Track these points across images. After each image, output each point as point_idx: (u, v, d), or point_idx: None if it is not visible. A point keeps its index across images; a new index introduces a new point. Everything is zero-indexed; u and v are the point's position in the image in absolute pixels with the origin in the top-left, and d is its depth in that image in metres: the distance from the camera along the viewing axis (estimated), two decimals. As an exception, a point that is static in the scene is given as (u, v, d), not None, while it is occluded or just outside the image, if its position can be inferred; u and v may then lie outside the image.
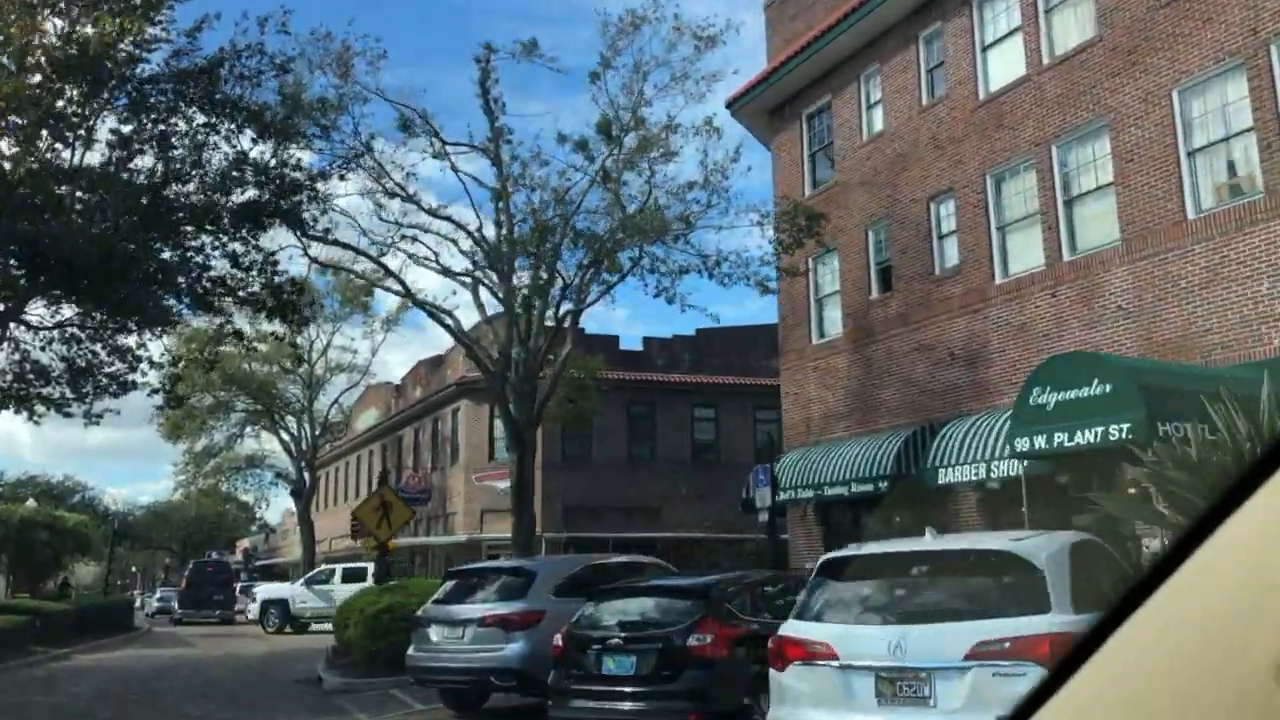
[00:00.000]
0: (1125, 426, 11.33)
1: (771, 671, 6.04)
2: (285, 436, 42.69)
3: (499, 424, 38.42)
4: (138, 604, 55.89)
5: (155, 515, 74.38)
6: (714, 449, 38.98)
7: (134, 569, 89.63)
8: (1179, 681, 0.84)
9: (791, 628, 6.12)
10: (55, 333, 21.01)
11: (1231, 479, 0.85)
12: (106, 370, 19.26)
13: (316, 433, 42.00)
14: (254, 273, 17.31)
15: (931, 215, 18.91)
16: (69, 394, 20.28)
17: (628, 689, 7.95)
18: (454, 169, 21.58)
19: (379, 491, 17.85)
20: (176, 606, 40.33)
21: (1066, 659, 0.98)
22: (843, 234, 20.69)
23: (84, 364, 20.49)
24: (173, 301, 17.99)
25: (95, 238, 13.87)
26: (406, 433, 44.88)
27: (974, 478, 15.65)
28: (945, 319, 18.22)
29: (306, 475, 42.85)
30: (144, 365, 19.29)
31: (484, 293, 22.72)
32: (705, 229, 19.37)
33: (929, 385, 18.46)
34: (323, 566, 37.58)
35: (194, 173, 15.90)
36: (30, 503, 37.66)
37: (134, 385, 20.99)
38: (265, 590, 34.06)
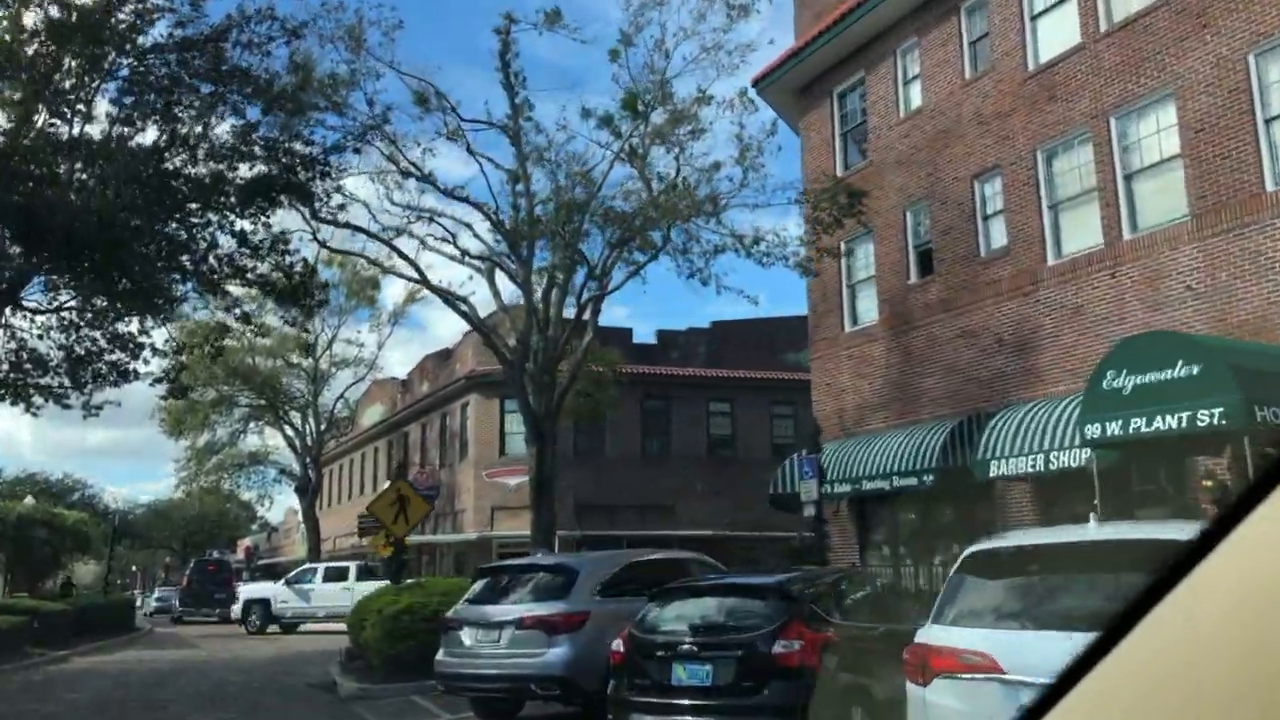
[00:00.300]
0: (1217, 411, 10.36)
1: (910, 687, 5.10)
2: (289, 432, 41.74)
3: (510, 419, 37.48)
4: (138, 604, 55.02)
5: (156, 514, 73.44)
6: (730, 445, 38.03)
7: (134, 568, 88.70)
8: (1192, 686, 0.82)
9: (934, 634, 5.18)
10: (54, 320, 20.10)
11: (1247, 484, 0.84)
12: (107, 358, 18.29)
13: (322, 428, 41.00)
14: (263, 252, 16.34)
15: (976, 194, 17.95)
16: (67, 384, 19.33)
17: (703, 702, 6.98)
18: (470, 150, 20.62)
19: (395, 485, 16.91)
20: (177, 605, 40.19)
21: (1073, 664, 0.98)
22: (878, 216, 19.73)
23: (83, 352, 19.56)
24: (177, 280, 16.98)
25: (94, 208, 12.91)
26: (413, 428, 43.92)
27: (1030, 469, 14.68)
28: (992, 303, 17.27)
29: (311, 472, 41.86)
30: (146, 353, 18.30)
31: (501, 280, 21.82)
32: (739, 208, 18.38)
33: (974, 373, 17.50)
34: (305, 566, 36.59)
35: (199, 145, 14.93)
36: (28, 500, 36.71)
37: (135, 375, 20.06)
38: (247, 590, 33.13)
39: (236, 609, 31.77)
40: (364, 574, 31.72)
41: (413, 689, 13.27)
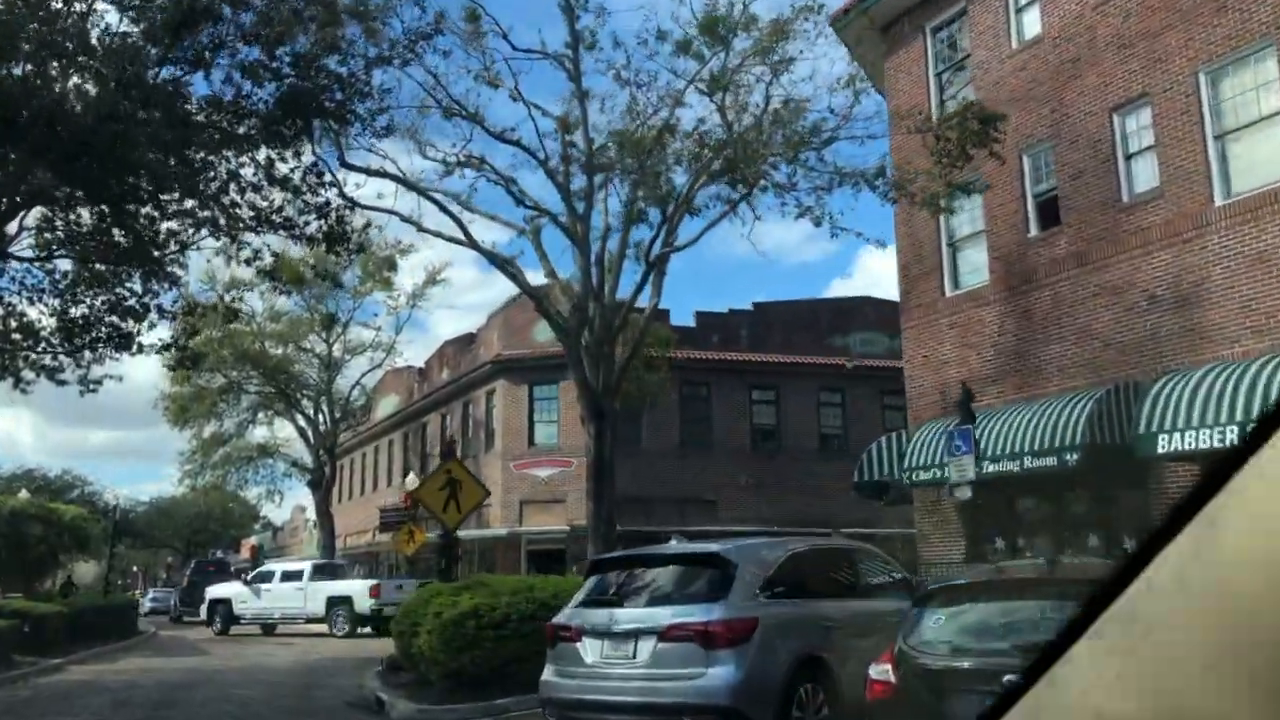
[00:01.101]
0: None
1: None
2: (301, 422, 39.21)
3: (541, 406, 35.00)
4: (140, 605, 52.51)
5: (158, 511, 70.96)
6: (774, 435, 35.53)
7: (135, 568, 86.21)
8: (1192, 646, 0.81)
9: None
10: (45, 282, 17.63)
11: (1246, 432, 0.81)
12: (106, 319, 15.82)
13: (336, 416, 38.46)
14: (294, 184, 13.86)
15: (1115, 130, 15.46)
16: (61, 356, 16.87)
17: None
18: (516, 96, 18.12)
19: (444, 467, 14.43)
20: (176, 605, 40.11)
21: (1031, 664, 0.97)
22: (987, 161, 17.23)
23: (79, 316, 17.10)
24: (189, 218, 14.46)
25: (91, 99, 10.47)
26: (432, 419, 41.43)
27: (1219, 443, 12.19)
28: (1140, 254, 14.77)
29: (325, 465, 39.34)
30: (152, 315, 15.84)
31: (550, 246, 19.31)
32: (845, 140, 15.89)
33: (1117, 336, 15.01)
34: (266, 566, 34.24)
35: (218, 55, 12.47)
36: (23, 494, 34.21)
37: (138, 340, 17.58)
38: (212, 590, 31.40)
39: (203, 609, 30.78)
40: (320, 574, 29.46)
41: (481, 711, 10.81)
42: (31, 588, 34.11)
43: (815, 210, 15.24)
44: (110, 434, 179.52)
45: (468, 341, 38.36)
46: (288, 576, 29.56)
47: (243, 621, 28.95)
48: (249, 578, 31.47)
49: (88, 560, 79.79)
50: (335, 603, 27.05)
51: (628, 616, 7.18)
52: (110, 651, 20.77)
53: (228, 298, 16.43)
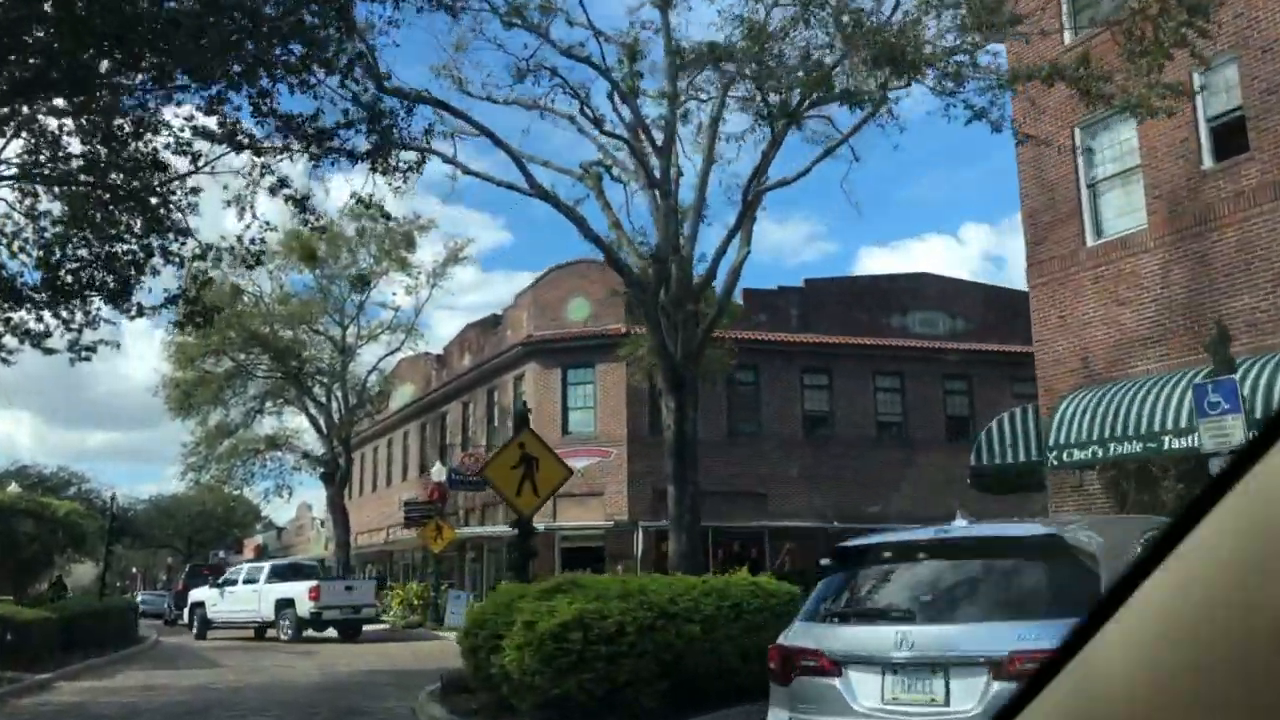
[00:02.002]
0: None
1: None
2: (313, 410, 36.44)
3: (575, 391, 32.26)
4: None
5: (159, 510, 68.23)
6: (827, 422, 32.81)
7: (134, 569, 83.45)
8: (1190, 643, 0.83)
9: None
10: (30, 230, 14.97)
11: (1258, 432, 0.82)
12: (100, 268, 13.13)
13: (351, 404, 35.67)
14: (339, 65, 11.15)
15: (1323, 33, 12.77)
16: (46, 307, 14.19)
17: None
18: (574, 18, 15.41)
19: (517, 441, 11.72)
20: (171, 608, 39.72)
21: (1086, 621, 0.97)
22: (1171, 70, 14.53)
23: (69, 271, 14.42)
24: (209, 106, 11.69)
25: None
26: (452, 408, 38.71)
27: None
28: (1364, 179, 12.08)
29: (340, 458, 36.57)
30: (155, 262, 13.15)
31: (614, 191, 16.61)
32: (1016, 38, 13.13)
33: (1332, 282, 12.32)
34: (236, 567, 31.74)
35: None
36: (13, 487, 31.45)
37: (138, 306, 14.91)
38: (194, 593, 30.09)
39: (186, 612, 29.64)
40: (279, 575, 27.00)
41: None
42: (24, 591, 31.36)
43: (991, 113, 12.51)
44: (109, 435, 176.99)
45: (493, 324, 35.66)
46: (250, 579, 27.67)
47: (214, 625, 27.60)
48: (220, 580, 29.75)
49: (84, 560, 77.02)
50: (282, 605, 25.29)
51: (932, 638, 4.46)
52: (107, 664, 18.06)
53: (247, 238, 13.53)
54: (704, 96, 15.32)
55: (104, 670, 17.21)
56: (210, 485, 37.17)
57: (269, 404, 36.84)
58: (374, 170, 12.63)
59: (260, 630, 26.76)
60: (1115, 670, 0.90)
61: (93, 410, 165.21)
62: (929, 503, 32.45)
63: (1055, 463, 14.59)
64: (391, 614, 28.37)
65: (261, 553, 60.61)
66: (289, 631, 24.84)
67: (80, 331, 14.96)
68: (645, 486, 30.18)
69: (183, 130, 11.97)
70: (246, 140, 11.76)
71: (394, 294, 35.81)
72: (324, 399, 36.24)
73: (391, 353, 36.49)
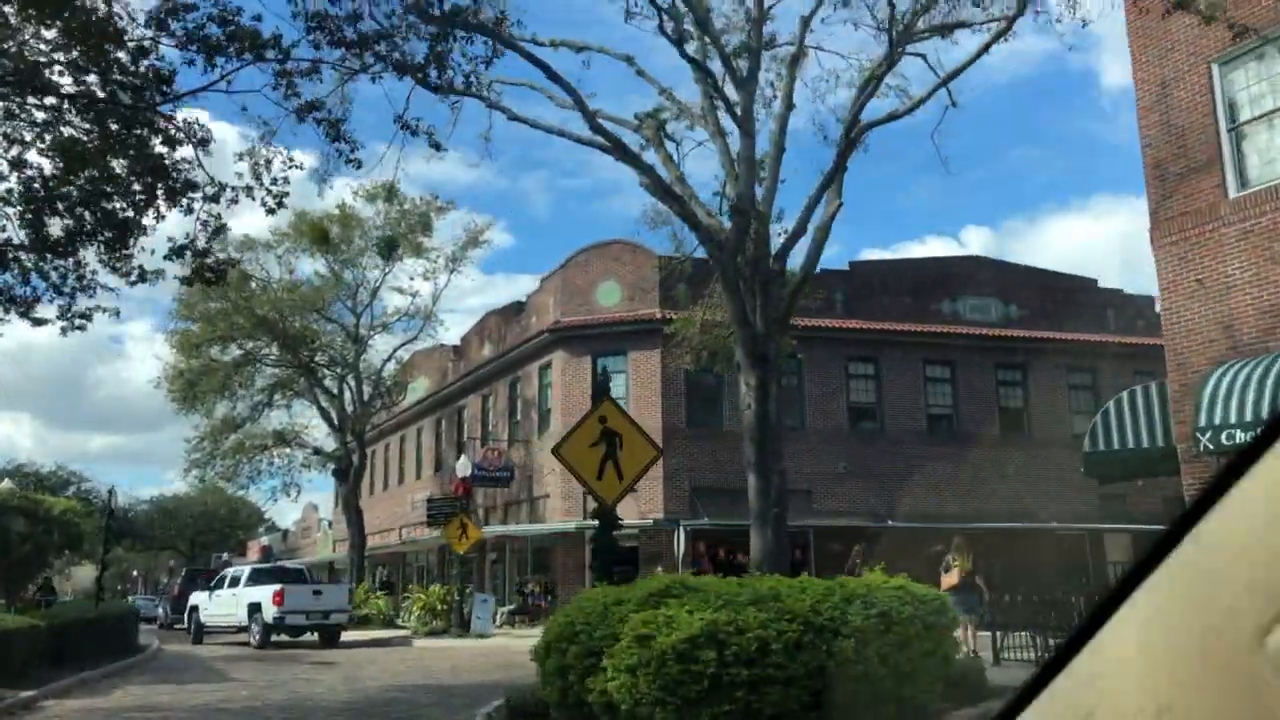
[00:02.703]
0: None
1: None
2: (325, 403, 34.36)
3: (613, 380, 30.18)
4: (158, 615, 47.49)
5: (160, 511, 66.22)
6: (875, 415, 30.75)
7: (135, 572, 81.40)
8: (1173, 652, 0.85)
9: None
10: (16, 182, 13.02)
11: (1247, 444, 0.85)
12: (98, 211, 11.13)
13: (366, 397, 33.57)
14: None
15: None
16: (34, 267, 12.18)
17: None
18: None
19: (596, 412, 9.70)
20: (167, 613, 39.90)
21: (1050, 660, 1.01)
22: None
23: (63, 227, 12.44)
24: None
25: None
26: (470, 401, 36.68)
27: None
28: None
29: (354, 452, 34.48)
30: (160, 205, 11.15)
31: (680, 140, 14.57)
32: None
33: None
34: (232, 568, 30.01)
35: None
36: (4, 484, 29.44)
37: (140, 271, 12.91)
38: (193, 597, 28.90)
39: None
40: (256, 579, 25.56)
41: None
42: (16, 594, 29.36)
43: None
44: (111, 438, 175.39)
45: (515, 311, 33.62)
46: (233, 582, 26.55)
47: (208, 630, 26.79)
48: (211, 584, 28.61)
49: (83, 562, 74.87)
50: (253, 610, 24.20)
51: None
52: (102, 678, 16.02)
53: (267, 179, 11.51)
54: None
55: (99, 686, 15.16)
56: (214, 484, 35.03)
57: (278, 397, 34.78)
58: (422, 84, 10.56)
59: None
60: (1122, 666, 0.91)
61: (94, 413, 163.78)
62: (985, 498, 30.50)
63: (1209, 446, 12.53)
64: (413, 620, 26.33)
65: (267, 555, 58.54)
66: (256, 637, 23.89)
67: (72, 296, 12.93)
68: (683, 483, 28.15)
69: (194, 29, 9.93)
70: (271, 42, 9.75)
71: (411, 278, 33.51)
72: (336, 391, 34.18)
73: (408, 342, 34.46)
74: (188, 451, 34.28)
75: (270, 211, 11.35)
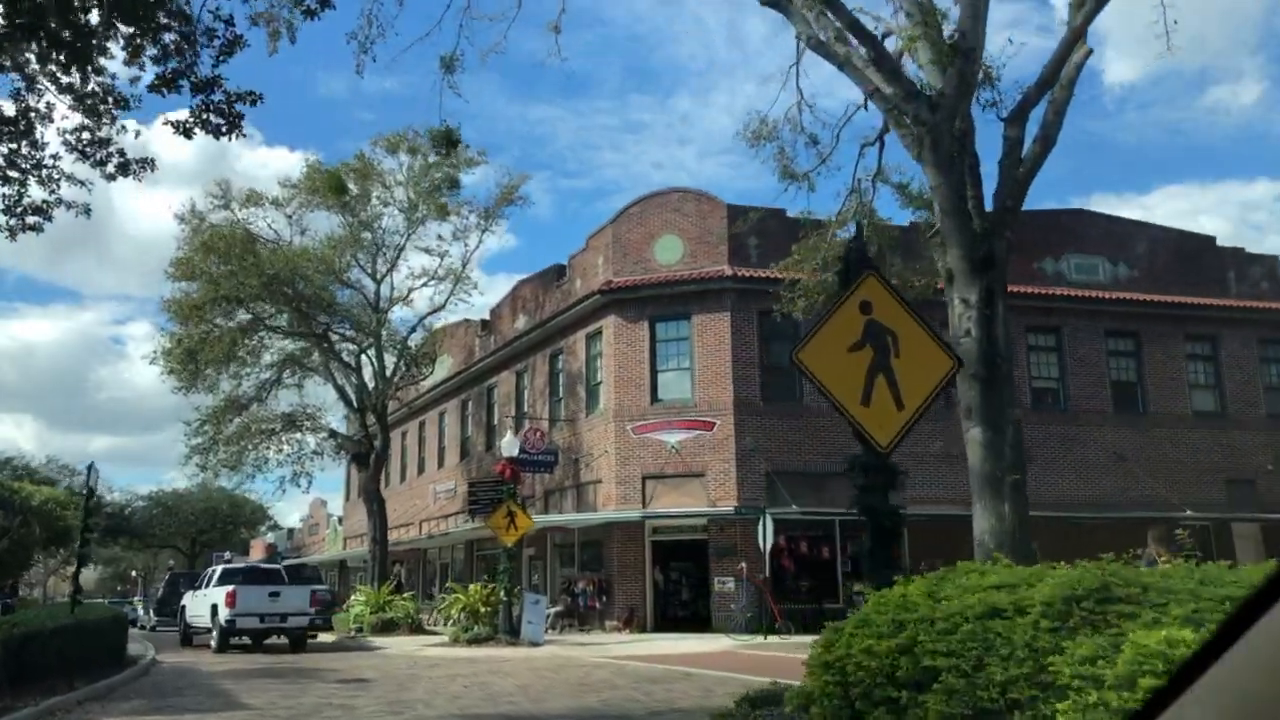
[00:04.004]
0: None
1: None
2: (341, 380, 30.56)
3: (667, 350, 26.40)
4: (140, 617, 43.91)
5: (160, 506, 62.43)
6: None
7: (134, 572, 77.62)
8: None
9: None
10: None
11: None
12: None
13: (389, 371, 29.68)
14: None
15: None
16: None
17: None
18: None
19: (854, 292, 5.94)
20: (151, 614, 39.41)
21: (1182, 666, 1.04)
22: None
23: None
24: None
25: None
26: (502, 379, 32.91)
27: None
28: None
29: (376, 436, 30.65)
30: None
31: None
32: None
33: None
34: (217, 566, 27.09)
35: None
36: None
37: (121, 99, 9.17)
38: (186, 598, 27.17)
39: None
40: (224, 579, 23.55)
41: None
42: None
43: None
44: (113, 439, 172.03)
45: (555, 276, 29.85)
46: (208, 582, 24.91)
47: (195, 631, 25.17)
48: (196, 584, 27.10)
49: (72, 559, 71.07)
50: (214, 612, 22.77)
51: None
52: (76, 705, 12.27)
53: None
54: None
55: (67, 716, 11.41)
56: (215, 473, 31.15)
57: (288, 374, 30.98)
58: None
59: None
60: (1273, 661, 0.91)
61: (96, 415, 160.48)
62: (1096, 482, 26.79)
63: None
64: (450, 625, 22.57)
65: (272, 554, 54.81)
66: (214, 641, 22.56)
67: (22, 177, 9.17)
68: (757, 467, 24.38)
69: None
70: None
71: (439, 238, 29.65)
72: (355, 364, 30.38)
73: (436, 311, 30.61)
74: (187, 436, 30.52)
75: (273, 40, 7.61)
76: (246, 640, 23.18)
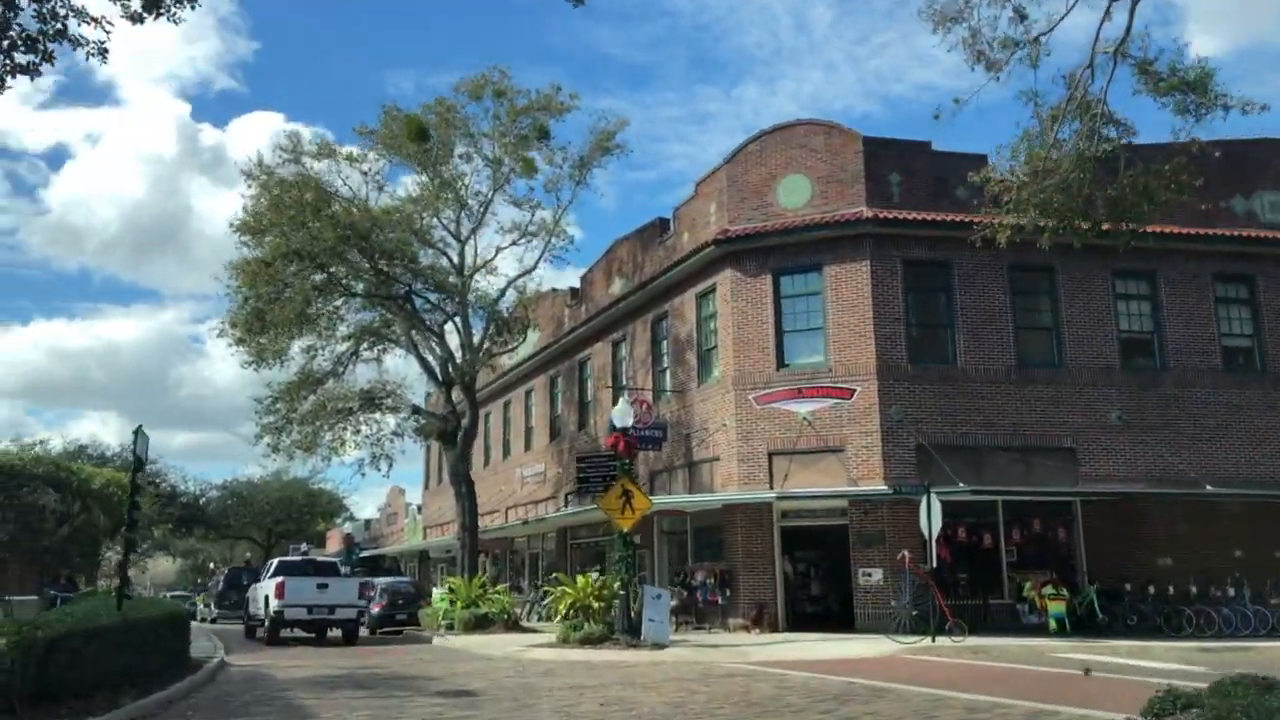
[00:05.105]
0: None
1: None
2: (424, 351, 27.76)
3: (794, 305, 22.88)
4: (201, 612, 42.07)
5: (235, 497, 60.90)
6: (1151, 348, 23.12)
7: (212, 564, 76.67)
8: None
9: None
10: None
11: None
12: None
13: (480, 336, 26.76)
14: None
15: None
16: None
17: None
18: None
19: None
20: (208, 606, 40.86)
21: None
22: None
23: None
24: None
25: None
26: (596, 351, 29.87)
27: None
28: None
29: (464, 412, 27.83)
30: None
31: None
32: None
33: None
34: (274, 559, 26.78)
35: None
36: (38, 449, 23.44)
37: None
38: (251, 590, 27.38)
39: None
40: (279, 571, 23.57)
41: None
42: (49, 585, 23.30)
43: None
44: (192, 435, 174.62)
45: (657, 231, 26.65)
46: (268, 574, 24.93)
47: (254, 622, 25.84)
48: (260, 576, 27.18)
49: (153, 553, 70.00)
50: (267, 604, 23.40)
51: None
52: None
53: None
54: None
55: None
56: (289, 455, 28.60)
57: (365, 347, 28.35)
58: None
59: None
60: None
61: (177, 411, 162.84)
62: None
63: None
64: (560, 625, 19.56)
65: (350, 544, 52.70)
66: (266, 630, 23.56)
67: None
68: (906, 440, 20.93)
69: None
70: None
71: (529, 187, 26.61)
72: (439, 334, 27.55)
73: (526, 273, 27.59)
74: (258, 414, 28.07)
75: None
76: (298, 631, 23.77)
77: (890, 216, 21.61)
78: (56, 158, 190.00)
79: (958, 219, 21.80)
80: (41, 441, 37.14)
